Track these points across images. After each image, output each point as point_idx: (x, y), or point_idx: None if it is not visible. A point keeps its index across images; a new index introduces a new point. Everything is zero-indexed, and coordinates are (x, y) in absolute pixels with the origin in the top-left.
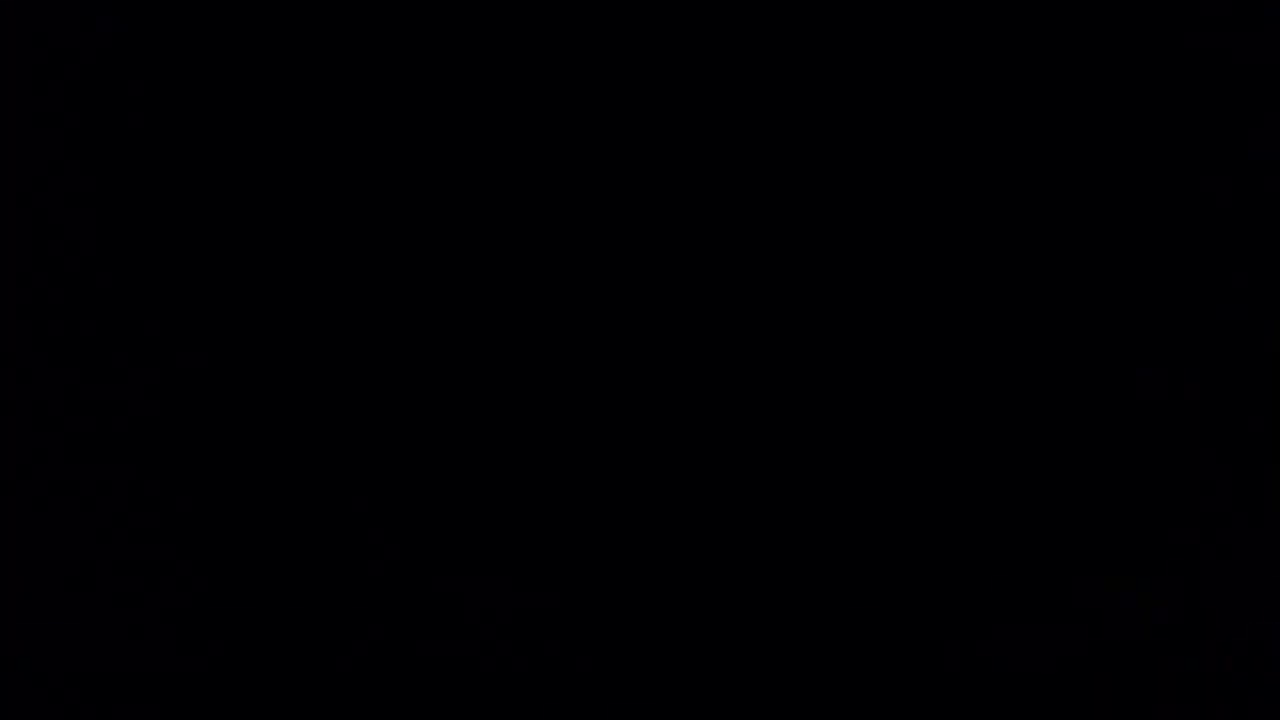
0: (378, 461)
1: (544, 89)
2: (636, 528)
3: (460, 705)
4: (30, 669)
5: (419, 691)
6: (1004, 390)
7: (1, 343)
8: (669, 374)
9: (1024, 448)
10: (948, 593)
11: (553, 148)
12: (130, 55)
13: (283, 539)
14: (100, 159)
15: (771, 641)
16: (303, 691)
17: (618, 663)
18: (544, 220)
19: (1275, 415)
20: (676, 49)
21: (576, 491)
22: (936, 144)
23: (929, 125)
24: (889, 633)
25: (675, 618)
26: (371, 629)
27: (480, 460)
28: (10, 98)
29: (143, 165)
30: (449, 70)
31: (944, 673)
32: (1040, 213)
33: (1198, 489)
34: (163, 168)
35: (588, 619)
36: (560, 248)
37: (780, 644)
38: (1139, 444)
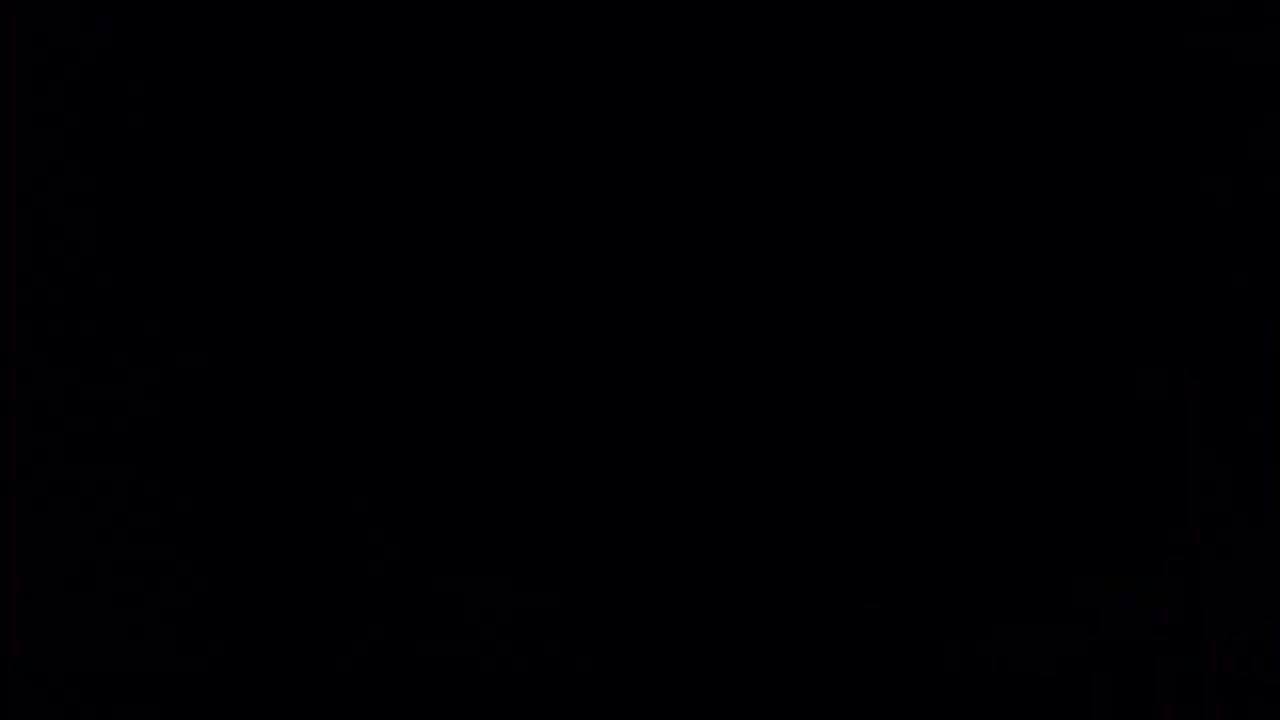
0: (377, 461)
1: (543, 89)
2: (636, 528)
3: (460, 705)
4: (30, 669)
5: (419, 691)
6: (1005, 390)
7: (1, 343)
8: (668, 374)
9: (1024, 447)
10: (948, 592)
11: (551, 148)
12: (130, 55)
13: (282, 539)
14: (100, 159)
15: (771, 641)
16: (303, 691)
17: (618, 663)
18: (542, 220)
19: (1275, 415)
20: (676, 49)
21: (576, 491)
22: (936, 144)
23: (929, 125)
24: (889, 633)
25: (675, 618)
26: (371, 629)
27: (479, 461)
28: (10, 97)
29: (143, 165)
30: (449, 70)
31: (944, 673)
32: (1040, 213)
33: (1198, 489)
34: (162, 168)
35: (588, 619)
36: (559, 247)
37: (780, 644)
38: (1139, 444)
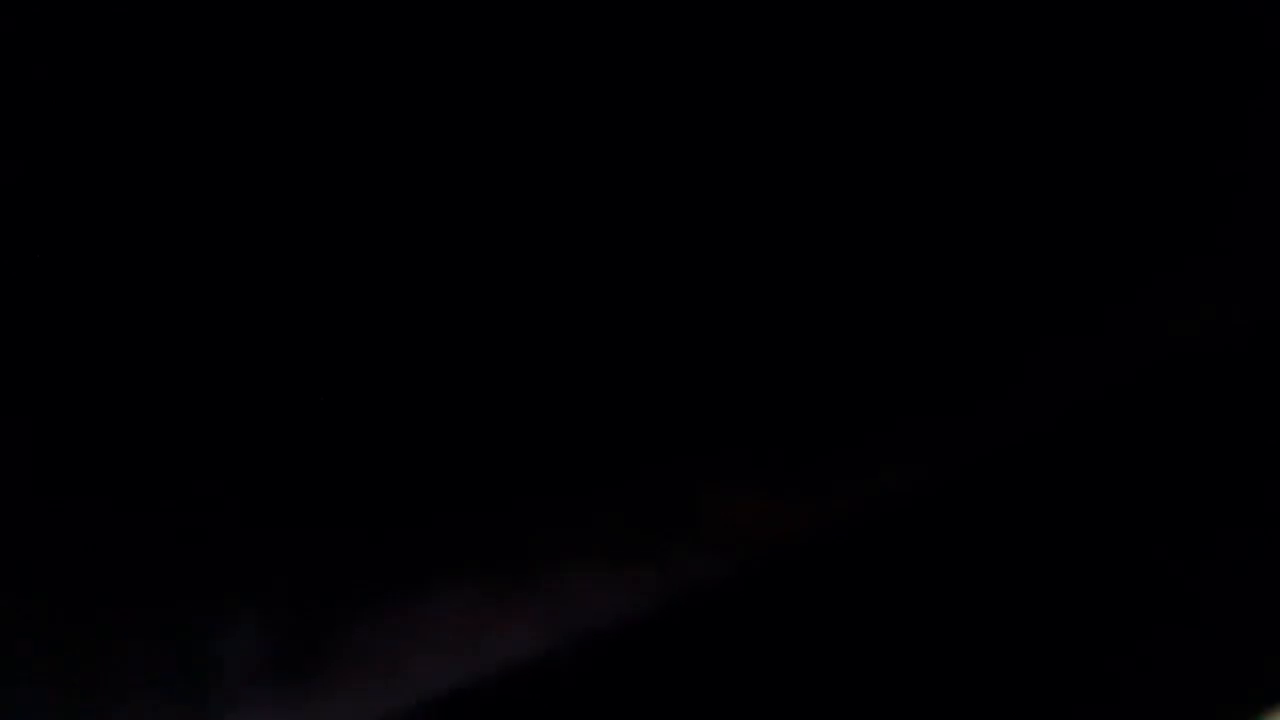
0: (376, 461)
1: (543, 89)
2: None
3: (462, 707)
4: (29, 666)
5: (419, 693)
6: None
7: None
8: (672, 373)
9: (1021, 445)
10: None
11: (546, 147)
12: (128, 54)
13: (282, 538)
14: (95, 158)
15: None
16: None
17: (623, 664)
18: (540, 232)
19: (1275, 415)
20: (676, 49)
21: (574, 491)
22: (935, 143)
23: (927, 125)
24: (884, 633)
25: (677, 617)
26: (369, 629)
27: (478, 460)
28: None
29: (139, 165)
30: (442, 70)
31: None
32: (1039, 213)
33: (1197, 488)
34: (158, 168)
35: (592, 618)
36: (557, 257)
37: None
38: (1137, 444)
